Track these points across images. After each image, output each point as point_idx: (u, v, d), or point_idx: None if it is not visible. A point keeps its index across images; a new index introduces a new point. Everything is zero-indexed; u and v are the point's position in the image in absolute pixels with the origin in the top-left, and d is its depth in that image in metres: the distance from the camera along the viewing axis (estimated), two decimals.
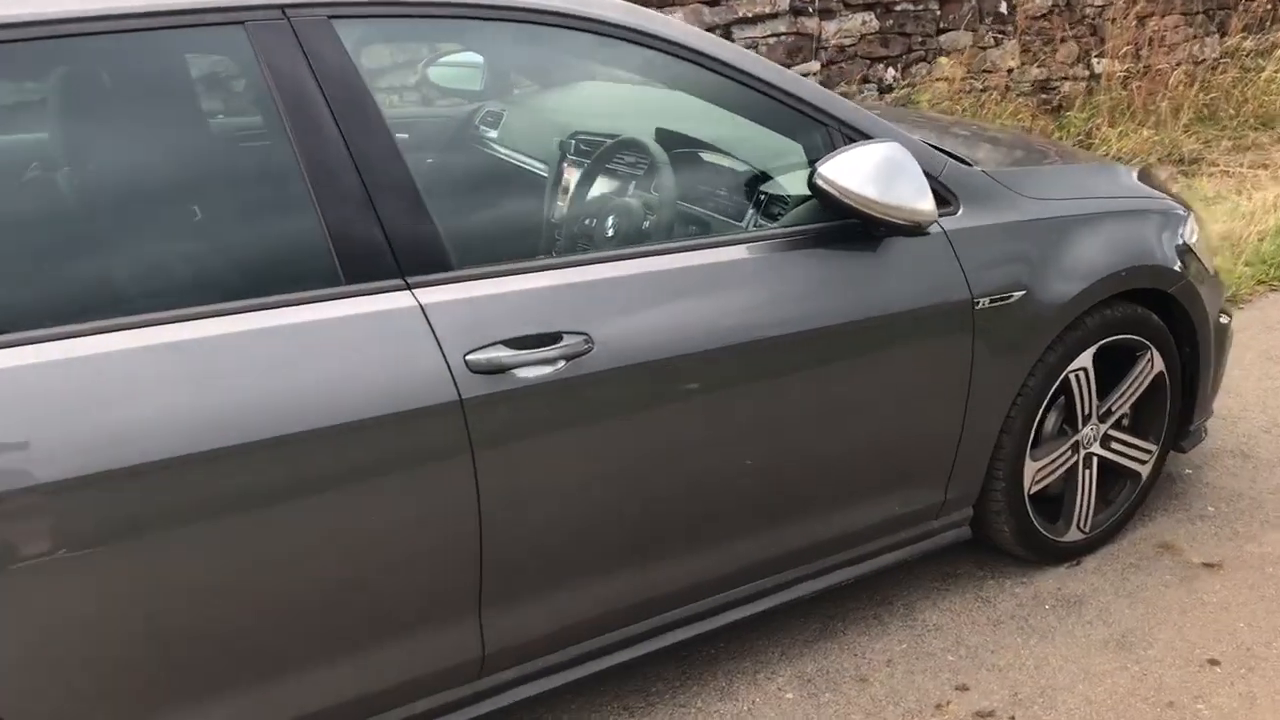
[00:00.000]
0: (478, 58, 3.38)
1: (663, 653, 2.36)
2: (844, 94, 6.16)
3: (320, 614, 1.86)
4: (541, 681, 2.19)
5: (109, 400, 1.64)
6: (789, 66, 6.02)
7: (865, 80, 6.47)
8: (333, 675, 1.91)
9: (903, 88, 6.56)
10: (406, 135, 3.24)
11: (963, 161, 2.57)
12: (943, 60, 6.67)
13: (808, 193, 2.21)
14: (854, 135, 2.31)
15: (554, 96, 3.25)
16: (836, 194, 2.15)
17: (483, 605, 2.02)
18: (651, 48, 2.13)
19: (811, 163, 2.22)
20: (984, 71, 6.81)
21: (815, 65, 6.26)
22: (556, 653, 2.18)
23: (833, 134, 2.30)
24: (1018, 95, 6.84)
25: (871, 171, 2.16)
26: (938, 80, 6.58)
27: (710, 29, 5.82)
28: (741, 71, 2.24)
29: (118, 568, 1.67)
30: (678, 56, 2.18)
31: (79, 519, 1.63)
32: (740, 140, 2.52)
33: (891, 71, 6.58)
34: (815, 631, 2.67)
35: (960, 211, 2.45)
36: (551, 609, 2.12)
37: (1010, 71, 6.90)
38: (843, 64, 6.38)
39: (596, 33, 2.05)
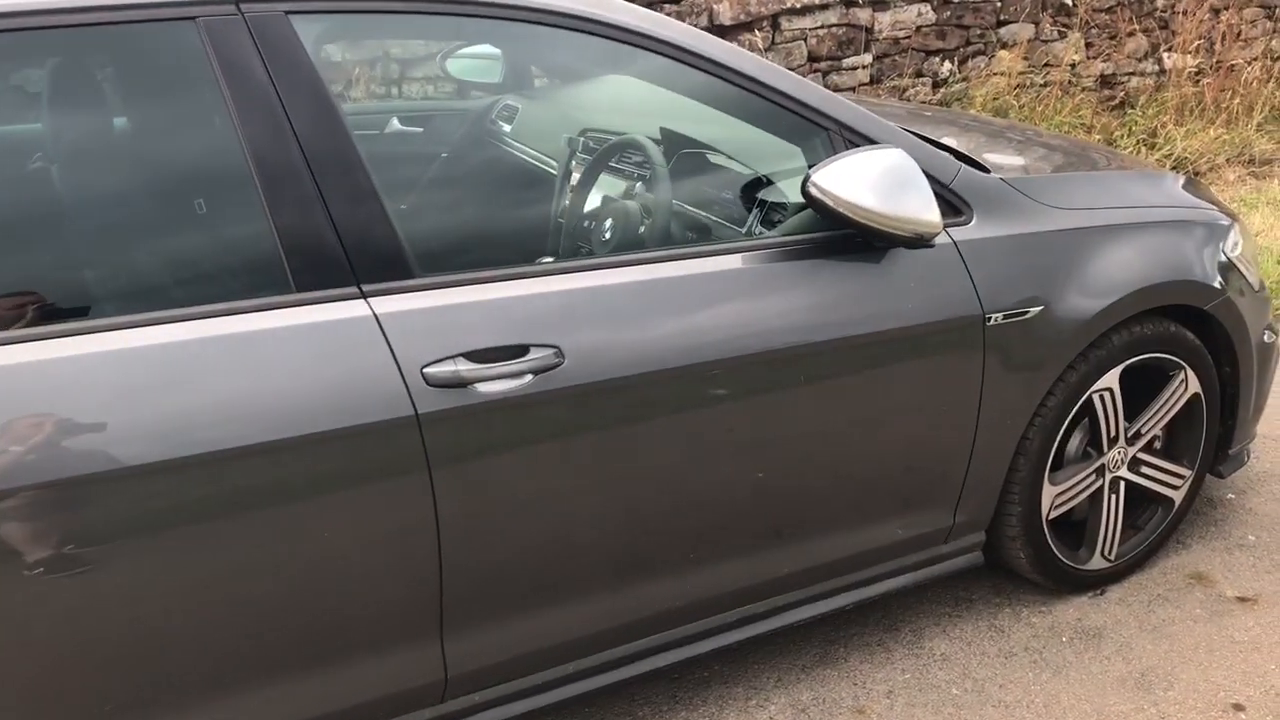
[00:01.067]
0: (495, 50, 3.29)
1: (653, 674, 2.27)
2: (896, 88, 6.00)
3: (268, 633, 1.79)
4: (512, 705, 2.10)
5: (41, 411, 1.58)
6: (839, 59, 5.88)
7: (919, 74, 6.28)
8: (282, 695, 1.84)
9: (958, 82, 6.35)
10: (419, 130, 3.18)
11: (980, 168, 2.42)
12: (1002, 54, 6.45)
13: None
14: (857, 140, 2.18)
15: (552, 94, 3.15)
16: (831, 203, 2.03)
17: (444, 627, 1.93)
18: (634, 45, 2.02)
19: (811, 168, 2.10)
20: (1045, 66, 6.57)
21: (867, 58, 6.09)
22: (528, 676, 2.09)
23: (834, 138, 2.17)
24: (1080, 91, 6.58)
25: (870, 179, 2.03)
26: (995, 74, 6.36)
27: (757, 20, 5.68)
28: (737, 72, 2.12)
29: (48, 584, 1.61)
30: (667, 56, 2.06)
31: (8, 531, 1.57)
32: (743, 143, 2.40)
33: (948, 65, 6.38)
34: (815, 656, 2.55)
35: (973, 222, 2.31)
36: (520, 632, 2.03)
37: (1073, 66, 6.65)
38: (896, 57, 6.19)
39: (566, 27, 1.95)
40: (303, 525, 1.75)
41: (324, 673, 1.87)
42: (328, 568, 1.80)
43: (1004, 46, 6.50)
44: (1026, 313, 2.32)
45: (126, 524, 1.64)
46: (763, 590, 2.30)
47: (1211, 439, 2.80)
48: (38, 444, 1.56)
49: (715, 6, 5.60)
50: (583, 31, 1.97)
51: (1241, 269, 2.72)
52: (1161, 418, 2.68)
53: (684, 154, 2.48)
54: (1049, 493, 2.56)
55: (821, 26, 5.90)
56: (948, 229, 2.25)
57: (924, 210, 2.08)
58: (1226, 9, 7.10)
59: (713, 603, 2.24)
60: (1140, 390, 2.64)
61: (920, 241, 2.14)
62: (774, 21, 5.76)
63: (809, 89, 2.20)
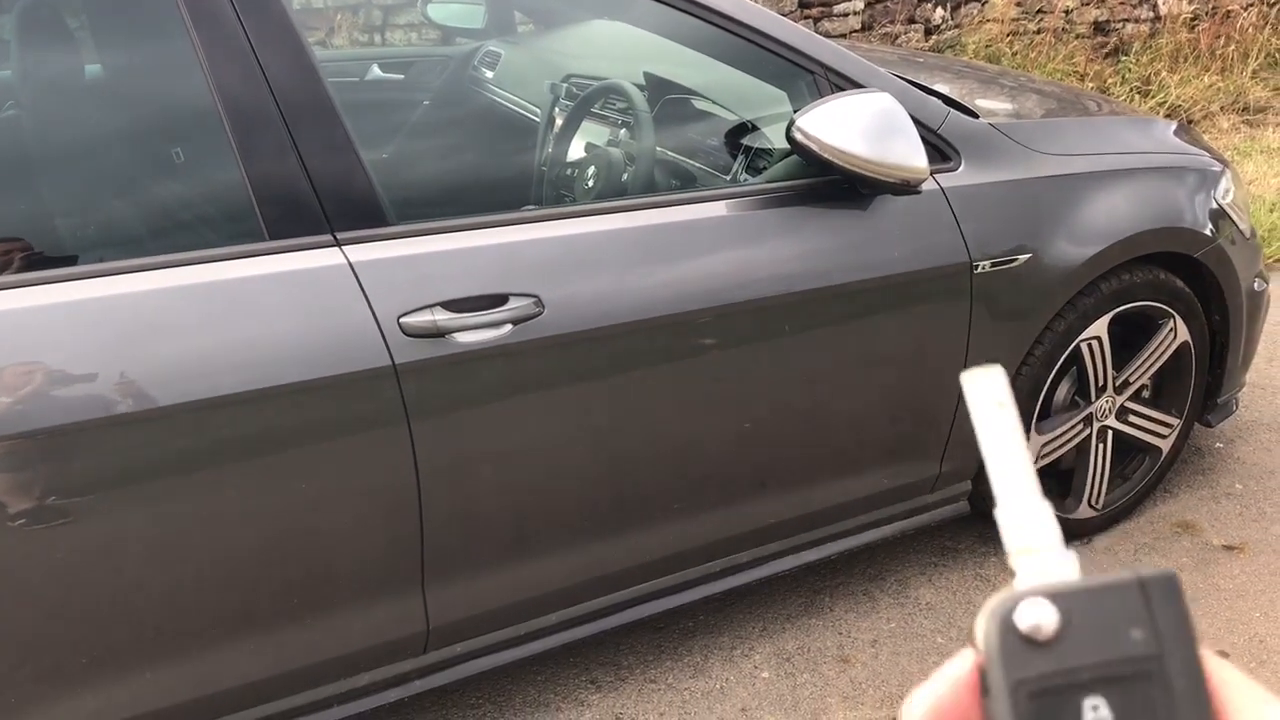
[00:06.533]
0: None
1: (638, 624, 2.26)
2: (888, 35, 5.91)
3: (247, 584, 1.78)
4: (495, 656, 2.10)
5: (13, 361, 1.55)
6: (831, 6, 5.78)
7: (911, 20, 6.19)
8: (263, 647, 1.83)
9: (951, 29, 6.27)
10: (400, 76, 3.12)
11: (969, 113, 2.38)
12: (995, 0, 6.36)
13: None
14: (843, 84, 2.14)
15: (536, 39, 3.09)
16: (816, 149, 1.99)
17: (426, 578, 1.92)
18: None
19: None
20: (1039, 12, 6.49)
21: (859, 4, 6.00)
22: (511, 627, 2.09)
23: (819, 82, 2.13)
24: (1073, 38, 6.50)
25: (856, 124, 1.99)
26: (988, 21, 6.27)
27: None
28: (721, 15, 2.07)
29: (27, 534, 1.59)
30: None
31: None
32: (727, 88, 2.35)
33: (940, 12, 6.29)
34: (800, 606, 2.55)
35: (961, 168, 2.27)
36: (502, 583, 2.02)
37: (1067, 12, 6.57)
38: (888, 3, 6.10)
39: None
40: (280, 476, 1.73)
41: (305, 624, 1.85)
42: (307, 519, 1.78)
43: None
44: (1014, 260, 2.30)
45: (102, 475, 1.61)
46: (748, 540, 2.29)
47: (1200, 388, 2.79)
48: (10, 394, 1.54)
49: None
50: None
51: (1233, 216, 2.69)
52: (1150, 366, 2.67)
53: (668, 99, 2.44)
54: (1035, 442, 2.55)
55: None
56: (935, 175, 2.22)
57: (911, 156, 2.04)
58: None
59: (697, 553, 2.23)
60: (1129, 338, 2.62)
61: (907, 188, 2.10)
62: None
63: (794, 32, 2.16)
